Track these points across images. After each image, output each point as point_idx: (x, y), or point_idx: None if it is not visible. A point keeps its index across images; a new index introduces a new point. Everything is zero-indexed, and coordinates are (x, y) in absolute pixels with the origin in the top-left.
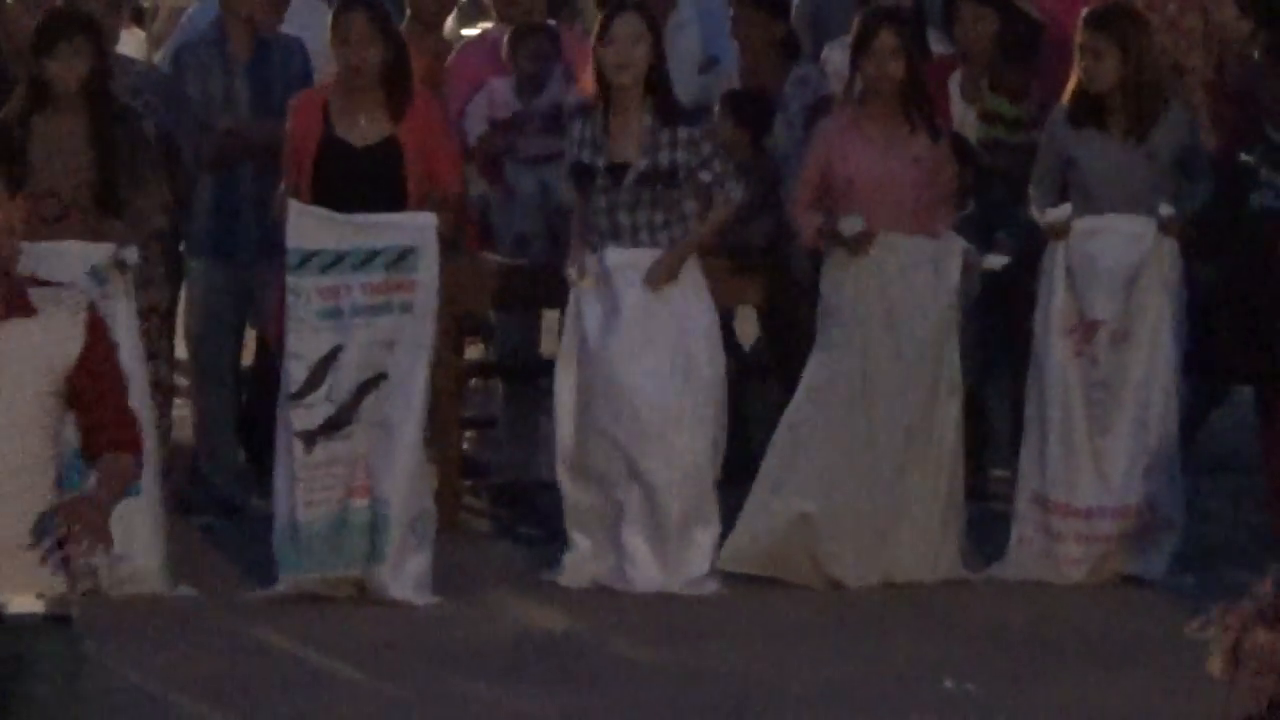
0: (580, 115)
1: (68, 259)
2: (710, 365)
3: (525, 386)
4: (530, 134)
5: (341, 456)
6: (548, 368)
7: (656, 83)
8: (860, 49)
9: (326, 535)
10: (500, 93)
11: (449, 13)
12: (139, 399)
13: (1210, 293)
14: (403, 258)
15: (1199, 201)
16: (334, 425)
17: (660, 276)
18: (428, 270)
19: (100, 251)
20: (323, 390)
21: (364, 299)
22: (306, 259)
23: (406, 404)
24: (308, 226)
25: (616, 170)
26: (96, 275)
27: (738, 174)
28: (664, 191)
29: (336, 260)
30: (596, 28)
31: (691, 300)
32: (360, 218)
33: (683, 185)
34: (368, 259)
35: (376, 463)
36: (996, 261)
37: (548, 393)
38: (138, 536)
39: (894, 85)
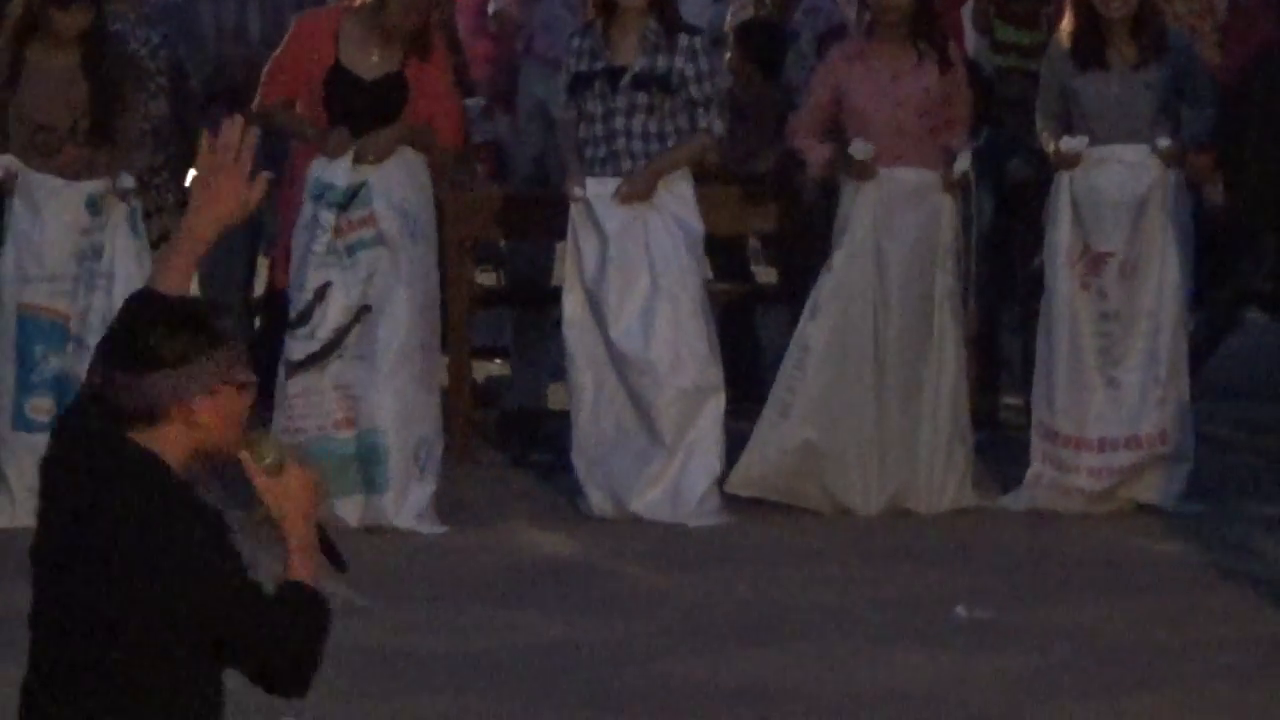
0: (580, 32)
1: (63, 192)
2: (691, 286)
3: (536, 314)
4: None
5: (317, 388)
6: (558, 295)
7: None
8: None
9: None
10: None
11: None
12: None
13: (1225, 217)
14: (354, 194)
15: (1204, 129)
16: (314, 359)
17: (628, 194)
18: (382, 200)
19: (93, 184)
20: (309, 326)
21: (351, 236)
22: (322, 192)
23: (390, 333)
24: (328, 161)
25: (614, 73)
26: (93, 207)
27: (723, 107)
28: (660, 97)
29: (334, 197)
30: None
31: (670, 223)
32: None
33: (678, 93)
34: (351, 196)
35: (363, 393)
36: (960, 165)
37: (558, 320)
38: None
39: (900, 15)
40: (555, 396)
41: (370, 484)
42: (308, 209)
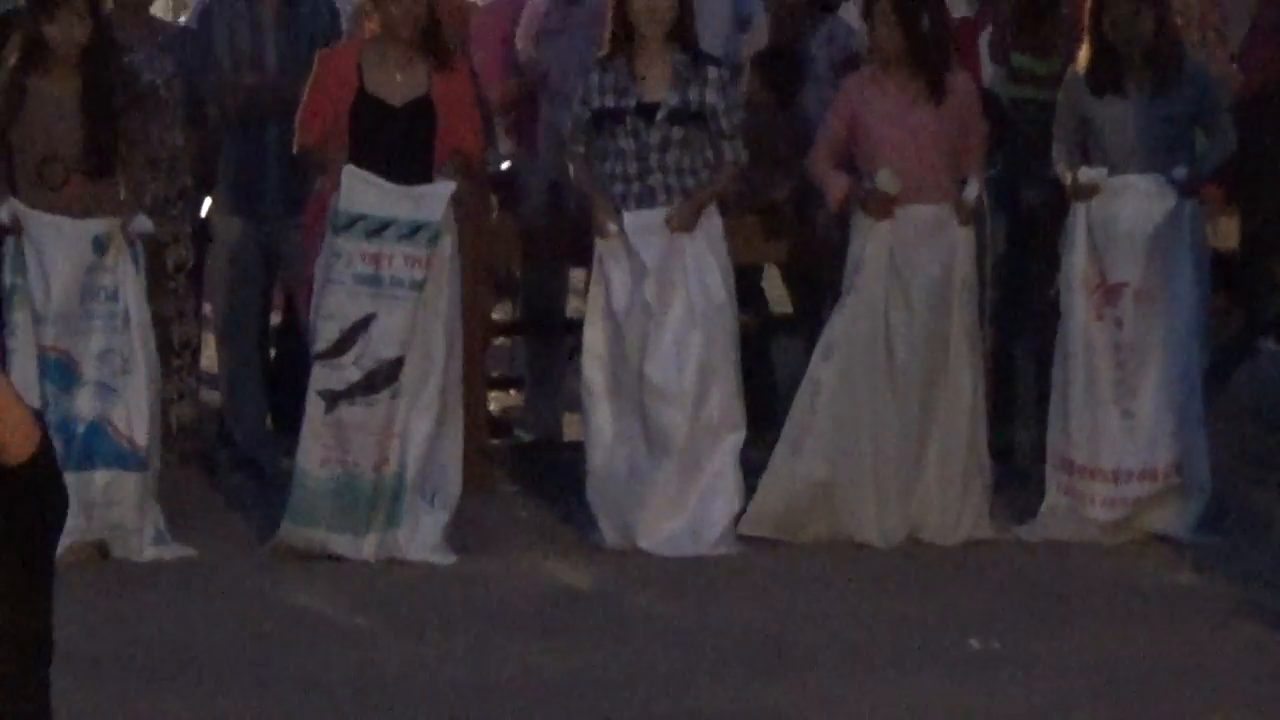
0: (597, 66)
1: (68, 231)
2: (725, 321)
3: (550, 345)
4: (572, 41)
5: (366, 424)
6: (572, 326)
7: (682, 28)
8: (866, 14)
9: (332, 497)
10: (541, 4)
11: None
12: (150, 368)
13: (1247, 246)
14: (441, 230)
15: (1219, 159)
16: (359, 391)
17: (680, 224)
18: (445, 237)
19: (100, 224)
20: (351, 355)
21: (405, 272)
22: (353, 222)
23: (425, 371)
24: (359, 190)
25: (646, 109)
26: (98, 245)
27: (743, 135)
28: (694, 132)
29: (382, 227)
30: None
31: (707, 257)
32: (410, 189)
33: (708, 126)
34: (413, 231)
35: (397, 432)
36: (970, 192)
37: (573, 351)
38: (125, 500)
39: (896, 50)
40: (570, 428)
41: (389, 519)
42: (332, 240)
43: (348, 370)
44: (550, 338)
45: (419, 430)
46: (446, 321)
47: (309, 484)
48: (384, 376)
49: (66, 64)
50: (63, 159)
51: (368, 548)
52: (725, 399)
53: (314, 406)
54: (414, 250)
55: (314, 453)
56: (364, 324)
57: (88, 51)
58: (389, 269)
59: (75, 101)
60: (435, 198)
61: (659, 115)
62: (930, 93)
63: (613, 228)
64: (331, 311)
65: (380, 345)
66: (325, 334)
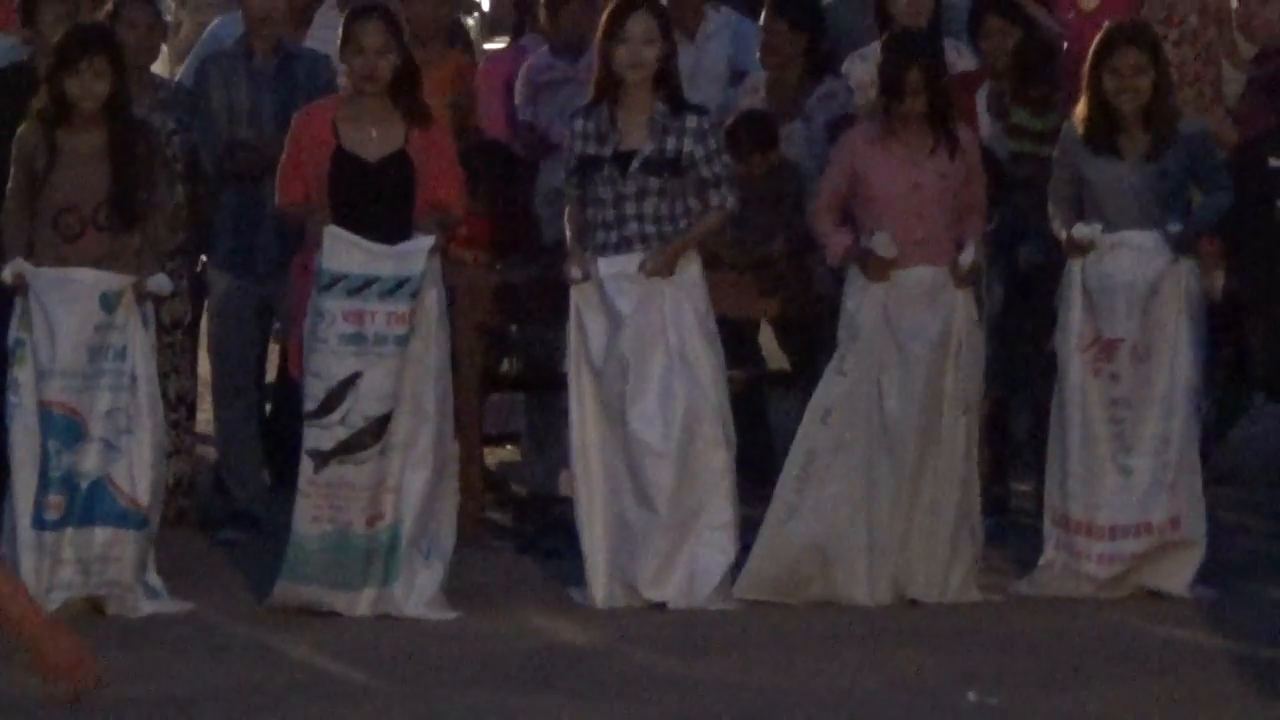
0: (582, 113)
1: (78, 286)
2: (708, 370)
3: (547, 400)
4: (572, 93)
5: (356, 482)
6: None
7: (665, 76)
8: (890, 89)
9: (326, 554)
10: (539, 59)
11: (444, 23)
12: (155, 428)
13: (1232, 301)
14: (423, 284)
15: (1216, 215)
16: (347, 449)
17: (654, 268)
18: (428, 291)
19: (110, 281)
20: (338, 414)
21: (388, 328)
22: (335, 281)
23: (417, 426)
24: (340, 250)
25: (623, 158)
26: (106, 302)
27: (734, 183)
28: (670, 181)
29: (363, 285)
30: (605, 23)
31: (684, 305)
32: (391, 248)
33: (687, 175)
34: (395, 288)
35: (390, 488)
36: (967, 257)
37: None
38: (124, 558)
39: (920, 117)
40: (568, 482)
41: (385, 575)
42: (316, 299)
43: (335, 429)
44: (547, 393)
45: (414, 484)
46: (437, 375)
47: (302, 543)
48: (371, 434)
49: (89, 118)
50: (79, 211)
51: (363, 604)
52: (714, 447)
53: (304, 466)
54: (396, 306)
55: (306, 512)
56: (350, 382)
57: (110, 106)
58: (372, 326)
59: (98, 155)
60: (416, 253)
61: (634, 165)
62: (935, 148)
63: (576, 274)
64: (318, 371)
65: (367, 403)
66: (313, 393)
